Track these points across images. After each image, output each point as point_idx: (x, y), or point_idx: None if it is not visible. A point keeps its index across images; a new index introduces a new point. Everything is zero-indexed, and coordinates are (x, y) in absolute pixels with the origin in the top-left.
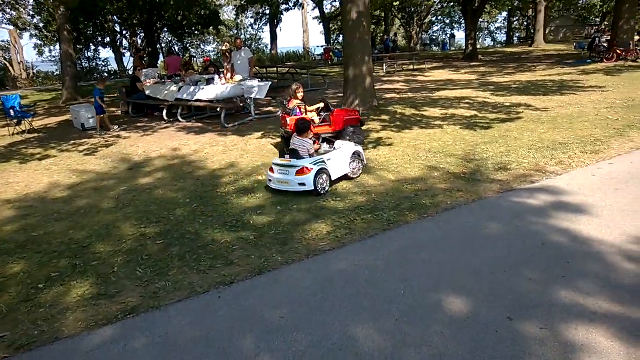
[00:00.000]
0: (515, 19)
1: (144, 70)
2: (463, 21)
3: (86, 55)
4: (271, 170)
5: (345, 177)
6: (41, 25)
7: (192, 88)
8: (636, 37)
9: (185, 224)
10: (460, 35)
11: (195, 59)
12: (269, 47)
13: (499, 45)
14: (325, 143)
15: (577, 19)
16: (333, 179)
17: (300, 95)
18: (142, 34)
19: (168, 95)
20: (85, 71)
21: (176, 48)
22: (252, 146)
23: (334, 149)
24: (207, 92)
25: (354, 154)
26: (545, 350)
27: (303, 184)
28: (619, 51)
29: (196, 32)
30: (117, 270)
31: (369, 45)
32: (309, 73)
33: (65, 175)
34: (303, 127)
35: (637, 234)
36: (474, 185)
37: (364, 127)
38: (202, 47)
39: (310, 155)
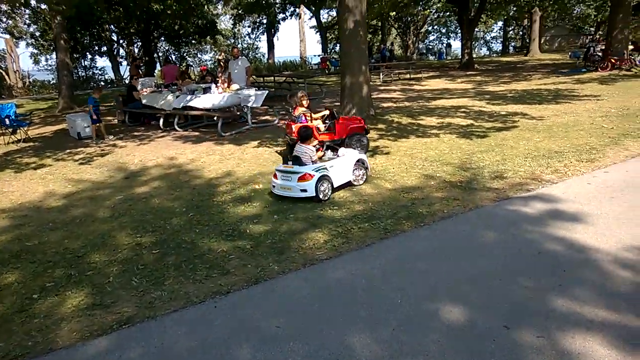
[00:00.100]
0: (510, 29)
1: (141, 79)
2: (459, 30)
3: (83, 64)
4: (275, 176)
5: (349, 184)
6: (37, 34)
7: (189, 97)
8: (630, 47)
9: (181, 233)
10: (456, 45)
11: (192, 67)
12: (266, 56)
13: (494, 55)
14: (329, 150)
15: (572, 29)
16: (335, 185)
17: (305, 102)
18: (139, 43)
19: (165, 105)
20: (82, 80)
21: (173, 57)
22: (248, 155)
23: (337, 156)
24: (204, 101)
25: (357, 161)
26: (542, 359)
27: (305, 190)
28: (613, 60)
29: (193, 42)
30: (113, 280)
31: (366, 54)
32: (306, 82)
33: (61, 185)
34: (306, 134)
35: (632, 242)
36: (470, 194)
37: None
38: (199, 56)
39: (313, 162)
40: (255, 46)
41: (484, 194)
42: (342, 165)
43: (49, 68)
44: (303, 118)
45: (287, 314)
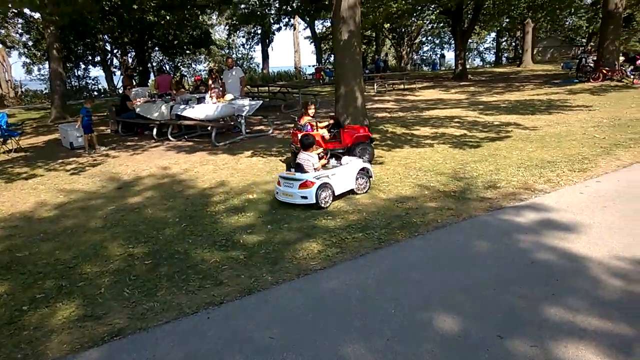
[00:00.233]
0: (503, 40)
1: (134, 89)
2: (453, 42)
3: (76, 74)
4: (278, 183)
5: (352, 192)
6: (30, 43)
7: (183, 107)
8: (621, 58)
9: (174, 243)
10: (450, 56)
11: (186, 77)
12: (261, 66)
13: (487, 65)
14: (333, 158)
15: (564, 40)
16: (337, 193)
17: (311, 112)
18: (133, 53)
19: (158, 116)
20: (75, 89)
21: (167, 67)
22: (242, 165)
23: (341, 164)
24: (198, 112)
25: (361, 170)
26: None
27: (305, 197)
28: (604, 71)
29: (187, 52)
30: (104, 291)
31: (360, 64)
32: (301, 92)
33: (52, 195)
34: (308, 142)
35: (624, 251)
36: (463, 204)
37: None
38: (193, 66)
39: (316, 170)
40: (249, 56)
41: (478, 203)
42: (345, 174)
43: (42, 78)
44: (309, 127)
45: (281, 325)
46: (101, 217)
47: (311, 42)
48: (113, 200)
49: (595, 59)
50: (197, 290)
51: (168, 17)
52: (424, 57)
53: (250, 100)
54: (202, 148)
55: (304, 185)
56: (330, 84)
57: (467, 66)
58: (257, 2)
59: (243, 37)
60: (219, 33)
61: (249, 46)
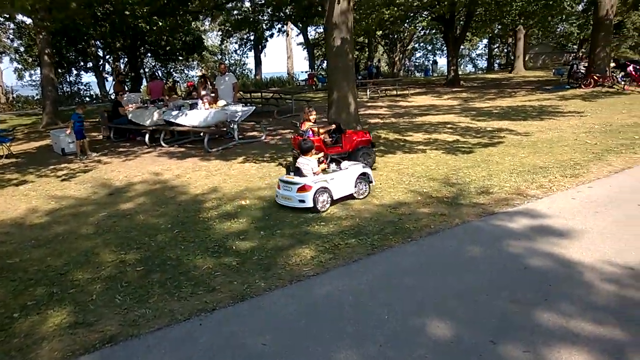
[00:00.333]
0: (495, 46)
1: (126, 95)
2: (445, 48)
3: (68, 80)
4: (278, 186)
5: (351, 197)
6: (22, 49)
7: (175, 113)
8: (612, 64)
9: (166, 249)
10: (442, 62)
11: (179, 83)
12: (253, 72)
13: (480, 72)
14: (333, 163)
15: (556, 46)
16: (335, 198)
17: (312, 117)
18: (126, 59)
19: (150, 123)
20: (67, 95)
21: (159, 73)
22: (235, 171)
23: (340, 169)
24: (191, 119)
25: (361, 175)
26: None
27: (303, 201)
28: (595, 77)
29: (180, 58)
30: (96, 297)
31: (353, 70)
32: (293, 98)
33: (44, 201)
34: (306, 147)
35: (616, 257)
36: (456, 209)
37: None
38: (185, 72)
39: (315, 174)
40: (242, 62)
41: (470, 209)
42: (344, 178)
43: (33, 83)
44: (310, 132)
45: (274, 331)
46: (93, 224)
47: (304, 48)
48: (105, 207)
49: (586, 65)
50: (190, 296)
51: (160, 23)
52: (417, 64)
53: (243, 106)
54: (195, 154)
55: (302, 189)
56: (323, 89)
57: (460, 72)
58: (250, 9)
59: (236, 43)
60: (212, 39)
61: (241, 52)
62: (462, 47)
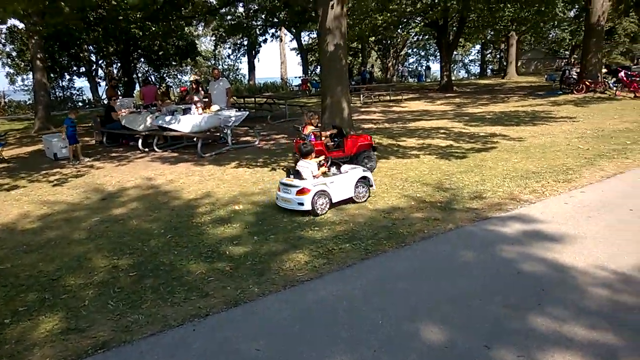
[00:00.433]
0: (488, 52)
1: (119, 100)
2: (438, 54)
3: (60, 84)
4: (278, 189)
5: (351, 201)
6: (14, 53)
7: (169, 118)
8: (603, 70)
9: (159, 255)
10: (435, 67)
11: (172, 88)
12: (247, 77)
13: (472, 77)
14: (334, 167)
15: (548, 52)
16: (335, 201)
17: (314, 122)
18: (118, 64)
19: (144, 127)
20: (59, 100)
21: (152, 78)
22: (228, 176)
23: (340, 172)
24: (184, 124)
25: (361, 178)
26: None
27: (302, 204)
28: (587, 83)
29: (173, 63)
30: (88, 303)
31: (346, 76)
32: (287, 103)
33: (36, 206)
34: (306, 150)
35: (609, 261)
36: (449, 214)
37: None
38: (179, 76)
39: (314, 177)
40: (236, 67)
41: (464, 214)
42: (343, 182)
43: (26, 88)
44: (312, 137)
45: (268, 336)
46: (85, 229)
47: (297, 54)
48: (97, 212)
49: (578, 71)
50: (183, 302)
51: (153, 28)
52: (410, 69)
53: (236, 111)
54: (188, 159)
55: (301, 191)
56: (316, 95)
57: (453, 78)
58: (244, 14)
59: (229, 48)
60: (205, 44)
61: (235, 57)
62: (455, 52)
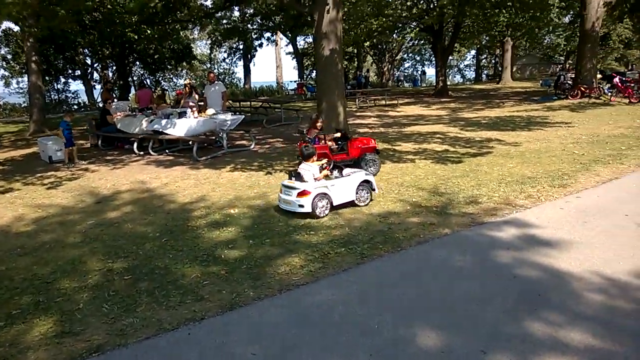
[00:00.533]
0: (483, 57)
1: (114, 103)
2: (433, 58)
3: (55, 87)
4: (280, 190)
5: (353, 204)
6: (9, 56)
7: (164, 121)
8: (598, 76)
9: (154, 258)
10: (430, 72)
11: (167, 92)
12: (242, 81)
13: (468, 82)
14: (336, 170)
15: (543, 58)
16: (335, 204)
17: (319, 125)
18: (114, 67)
19: (139, 130)
20: (54, 103)
21: (148, 81)
22: (224, 179)
23: (342, 176)
24: (179, 127)
25: (363, 182)
26: None
27: (302, 206)
28: (582, 88)
29: (169, 67)
30: (83, 306)
31: (342, 80)
32: (282, 107)
33: (30, 209)
34: (307, 153)
35: (605, 267)
36: (445, 219)
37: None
38: (174, 80)
39: (316, 180)
40: (231, 71)
41: (460, 219)
42: (344, 185)
43: (21, 91)
44: (317, 140)
45: (263, 341)
46: (80, 232)
47: (293, 58)
48: (92, 215)
49: (573, 76)
50: (178, 305)
51: (149, 32)
52: (406, 74)
53: (232, 115)
54: (183, 162)
55: (302, 194)
56: (312, 99)
57: (448, 83)
58: (239, 18)
59: (225, 52)
60: (201, 48)
61: (230, 61)
62: (450, 57)
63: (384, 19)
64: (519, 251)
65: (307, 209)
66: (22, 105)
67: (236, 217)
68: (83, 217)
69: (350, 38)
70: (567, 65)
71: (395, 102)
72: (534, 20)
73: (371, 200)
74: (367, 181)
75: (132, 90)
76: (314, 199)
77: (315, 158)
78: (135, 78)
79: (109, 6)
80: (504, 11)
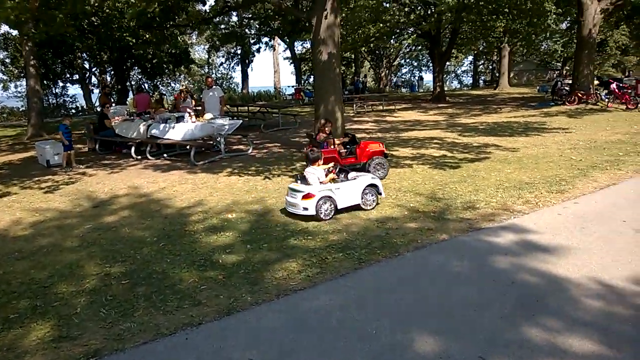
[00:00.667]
0: (480, 63)
1: (112, 108)
2: (431, 64)
3: (53, 91)
4: (287, 193)
5: (358, 208)
6: (7, 60)
7: (162, 126)
8: (595, 82)
9: (152, 263)
10: (428, 78)
11: (165, 96)
12: (240, 86)
13: (465, 88)
14: (342, 174)
15: (540, 64)
16: (340, 207)
17: (327, 129)
18: (112, 71)
19: (137, 135)
20: (52, 107)
21: (146, 86)
22: (221, 184)
23: (348, 179)
24: (177, 131)
25: (369, 185)
26: None
27: (306, 209)
28: (580, 94)
29: (167, 71)
30: (80, 311)
31: (339, 85)
32: (280, 112)
33: (28, 213)
34: (313, 157)
35: (602, 272)
36: (443, 224)
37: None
38: (172, 84)
39: (321, 183)
40: (229, 76)
41: (457, 224)
42: (350, 189)
43: (19, 95)
44: (326, 144)
45: (261, 346)
46: (77, 236)
47: (291, 63)
48: (89, 219)
49: (570, 82)
50: (175, 310)
51: (147, 36)
52: (403, 79)
53: (229, 119)
54: (181, 167)
55: (307, 197)
56: (309, 104)
57: (445, 88)
58: (237, 23)
59: (223, 57)
60: (199, 52)
61: (228, 66)
62: (447, 63)
63: (382, 25)
64: (517, 257)
65: (311, 211)
66: (20, 109)
67: (234, 221)
68: (80, 222)
69: (347, 44)
70: (565, 72)
71: (392, 107)
72: (531, 27)
73: (377, 204)
74: (373, 185)
75: (130, 95)
76: (318, 201)
77: (321, 162)
78: (133, 82)
79: (107, 11)
80: (501, 17)
